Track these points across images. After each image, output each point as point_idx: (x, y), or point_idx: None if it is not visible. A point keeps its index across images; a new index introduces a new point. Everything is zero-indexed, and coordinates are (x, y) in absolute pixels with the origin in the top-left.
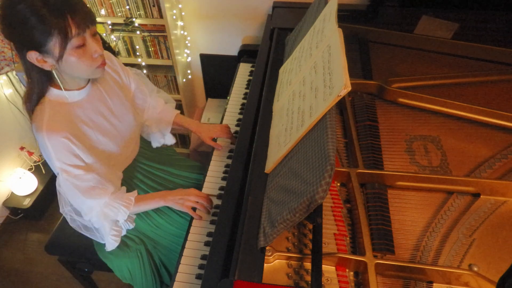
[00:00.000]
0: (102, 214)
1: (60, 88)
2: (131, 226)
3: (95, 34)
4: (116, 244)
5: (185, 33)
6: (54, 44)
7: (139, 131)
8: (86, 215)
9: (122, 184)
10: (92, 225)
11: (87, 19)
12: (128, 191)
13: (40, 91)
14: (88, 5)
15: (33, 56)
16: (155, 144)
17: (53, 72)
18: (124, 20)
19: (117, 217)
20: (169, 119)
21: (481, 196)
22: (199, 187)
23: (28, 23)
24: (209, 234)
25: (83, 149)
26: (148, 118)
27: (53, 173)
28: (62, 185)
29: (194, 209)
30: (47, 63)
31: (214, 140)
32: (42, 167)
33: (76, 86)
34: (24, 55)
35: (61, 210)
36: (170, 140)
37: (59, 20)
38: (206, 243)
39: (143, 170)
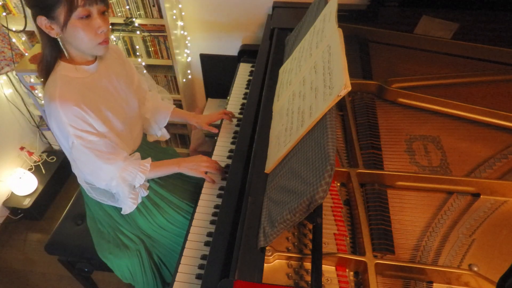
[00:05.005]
0: (121, 178)
1: (69, 62)
2: (145, 193)
3: (104, 13)
4: (134, 207)
5: (185, 33)
6: (61, 11)
7: (142, 122)
8: (105, 183)
9: None
10: (110, 190)
11: None
12: None
13: (50, 57)
14: None
15: (42, 22)
16: (151, 137)
17: (58, 40)
18: (124, 20)
19: (134, 181)
20: (166, 111)
21: (481, 196)
22: (199, 187)
23: None
24: (209, 234)
25: (95, 118)
26: (147, 110)
27: (53, 173)
28: (79, 153)
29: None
30: (54, 30)
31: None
32: (42, 167)
33: (84, 60)
34: (36, 21)
35: (79, 181)
36: (165, 134)
37: None
38: (206, 243)
39: None
